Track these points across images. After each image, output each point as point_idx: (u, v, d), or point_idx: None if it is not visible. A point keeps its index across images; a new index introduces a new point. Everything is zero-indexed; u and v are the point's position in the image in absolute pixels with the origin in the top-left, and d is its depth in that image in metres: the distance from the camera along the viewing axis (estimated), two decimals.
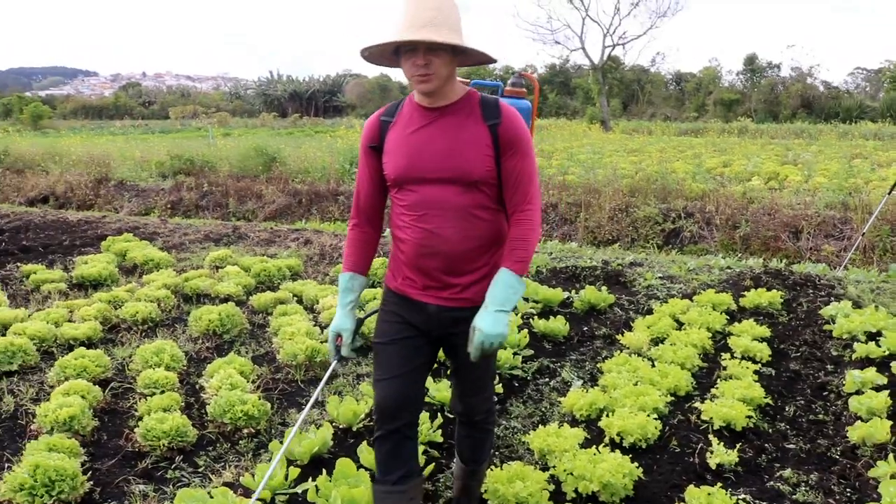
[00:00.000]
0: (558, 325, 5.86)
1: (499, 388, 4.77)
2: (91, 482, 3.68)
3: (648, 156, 22.03)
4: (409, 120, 2.70)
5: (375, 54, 2.68)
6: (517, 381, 5.07)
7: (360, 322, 2.93)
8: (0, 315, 6.01)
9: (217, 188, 15.20)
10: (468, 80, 3.06)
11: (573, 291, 6.95)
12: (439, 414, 4.27)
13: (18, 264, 8.47)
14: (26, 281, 7.66)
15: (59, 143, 23.67)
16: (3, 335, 5.62)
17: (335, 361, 2.92)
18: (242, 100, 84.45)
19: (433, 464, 3.77)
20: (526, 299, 6.58)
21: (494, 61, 2.68)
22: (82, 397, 4.38)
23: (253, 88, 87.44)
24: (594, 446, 3.87)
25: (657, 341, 5.69)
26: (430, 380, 4.68)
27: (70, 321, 6.11)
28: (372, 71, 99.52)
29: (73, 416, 4.11)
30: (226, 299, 6.78)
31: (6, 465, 3.91)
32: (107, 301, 6.56)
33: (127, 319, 6.14)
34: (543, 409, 4.68)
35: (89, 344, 5.60)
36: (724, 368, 5.11)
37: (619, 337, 5.74)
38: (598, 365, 5.26)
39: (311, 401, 3.16)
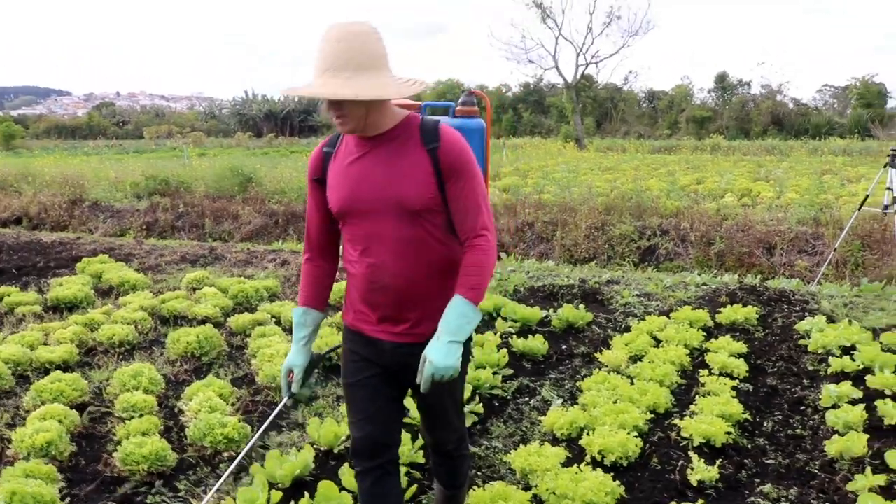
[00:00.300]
0: (537, 344, 5.88)
1: (479, 408, 4.77)
2: None
3: (623, 173, 22.22)
4: (347, 151, 2.60)
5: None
6: (497, 401, 5.08)
7: (316, 358, 2.86)
8: None
9: (193, 209, 15.12)
10: (417, 104, 2.99)
11: (551, 310, 6.98)
12: (420, 435, 4.26)
13: None
14: (0, 304, 7.56)
15: (32, 164, 23.43)
16: None
17: (286, 398, 2.85)
18: (217, 119, 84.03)
19: (415, 485, 3.77)
20: (504, 318, 6.60)
21: (418, 91, 2.53)
22: (59, 422, 4.33)
23: (228, 108, 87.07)
24: (576, 465, 3.88)
25: (635, 359, 5.72)
26: (409, 400, 4.67)
27: (45, 344, 6.03)
28: None
29: (50, 441, 4.06)
30: (203, 321, 6.73)
31: None
32: (83, 324, 6.49)
33: (104, 342, 6.08)
34: (524, 429, 4.69)
35: (66, 367, 5.54)
36: (703, 385, 5.15)
37: (597, 355, 5.77)
38: (578, 383, 5.28)
39: (257, 435, 3.08)
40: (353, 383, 2.75)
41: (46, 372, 5.45)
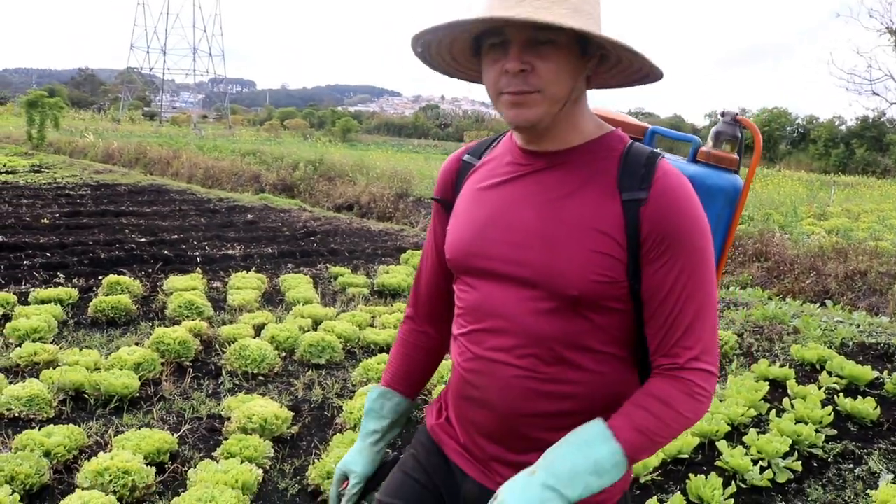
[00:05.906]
0: (867, 407, 5.32)
1: (796, 465, 4.40)
2: None
3: None
4: (495, 165, 1.58)
5: (437, 54, 1.52)
6: (816, 461, 4.67)
7: (391, 461, 1.82)
8: (315, 311, 6.58)
9: None
10: (641, 125, 1.83)
11: (885, 372, 6.29)
12: (733, 482, 4.03)
13: (327, 265, 9.24)
14: (334, 282, 8.33)
15: (366, 156, 25.63)
16: (315, 330, 6.13)
17: None
18: None
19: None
20: (829, 373, 6.06)
21: (659, 76, 1.44)
22: None
23: None
24: None
25: None
26: (723, 443, 4.45)
27: (371, 326, 6.54)
28: (665, 110, 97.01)
29: None
30: None
31: (314, 450, 4.25)
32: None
33: None
34: (846, 499, 4.27)
35: (388, 350, 5.94)
36: None
37: None
38: None
39: None
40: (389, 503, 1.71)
41: (370, 351, 5.90)
